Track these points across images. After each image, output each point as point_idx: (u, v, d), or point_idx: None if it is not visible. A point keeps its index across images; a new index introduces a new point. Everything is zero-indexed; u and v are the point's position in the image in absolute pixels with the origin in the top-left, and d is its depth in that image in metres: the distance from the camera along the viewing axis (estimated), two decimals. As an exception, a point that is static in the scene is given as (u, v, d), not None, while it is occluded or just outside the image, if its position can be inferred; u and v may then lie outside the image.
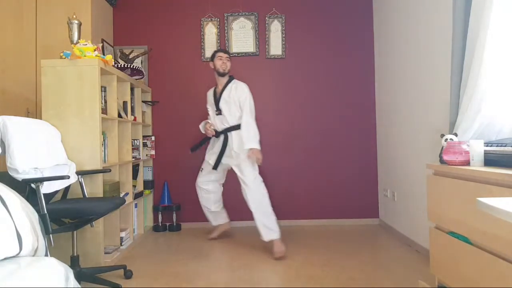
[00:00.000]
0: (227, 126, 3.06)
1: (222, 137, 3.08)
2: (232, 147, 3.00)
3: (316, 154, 3.86)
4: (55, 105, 2.53)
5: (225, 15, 3.86)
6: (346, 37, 3.86)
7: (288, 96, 3.88)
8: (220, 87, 3.12)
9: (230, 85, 3.08)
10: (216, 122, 3.13)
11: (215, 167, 3.10)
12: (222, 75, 3.09)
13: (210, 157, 3.20)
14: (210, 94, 3.24)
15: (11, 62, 3.25)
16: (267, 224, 2.85)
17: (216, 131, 3.13)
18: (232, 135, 3.03)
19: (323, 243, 3.12)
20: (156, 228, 3.73)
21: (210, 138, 3.23)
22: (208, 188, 3.26)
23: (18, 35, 3.27)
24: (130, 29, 3.89)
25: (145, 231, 3.60)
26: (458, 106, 2.07)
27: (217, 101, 3.10)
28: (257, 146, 2.88)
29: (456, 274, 1.72)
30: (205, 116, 3.87)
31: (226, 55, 3.08)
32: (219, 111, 3.09)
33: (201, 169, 3.31)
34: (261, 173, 3.90)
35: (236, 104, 3.01)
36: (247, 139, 2.89)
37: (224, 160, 3.09)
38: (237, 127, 3.01)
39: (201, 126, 3.26)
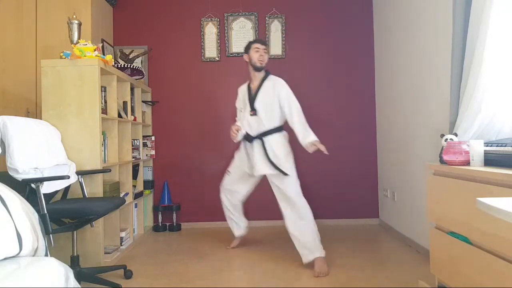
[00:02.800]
0: (263, 129, 2.66)
1: (257, 143, 2.67)
2: (273, 151, 2.61)
3: (316, 154, 3.85)
4: (55, 105, 2.53)
5: (225, 15, 3.86)
6: (346, 37, 3.86)
7: (288, 96, 3.87)
8: (255, 84, 2.76)
9: (266, 82, 2.72)
10: (250, 124, 2.72)
11: (282, 173, 2.58)
12: (259, 69, 2.73)
13: (244, 166, 2.79)
14: (243, 90, 2.87)
15: (11, 62, 3.25)
16: (315, 240, 2.52)
17: (247, 134, 2.73)
18: (270, 140, 2.64)
19: (323, 243, 3.11)
20: (156, 228, 3.73)
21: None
22: (235, 189, 2.91)
23: (18, 35, 3.27)
24: (130, 29, 3.89)
25: (145, 231, 3.60)
26: (458, 106, 2.07)
27: (252, 99, 2.72)
28: (316, 138, 2.56)
29: (456, 274, 1.72)
30: (205, 116, 3.89)
31: (264, 47, 2.74)
32: (254, 111, 2.70)
33: (228, 172, 2.94)
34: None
35: (275, 103, 2.65)
36: (309, 133, 2.56)
37: (261, 169, 2.64)
38: (273, 131, 2.66)
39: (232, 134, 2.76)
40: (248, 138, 2.72)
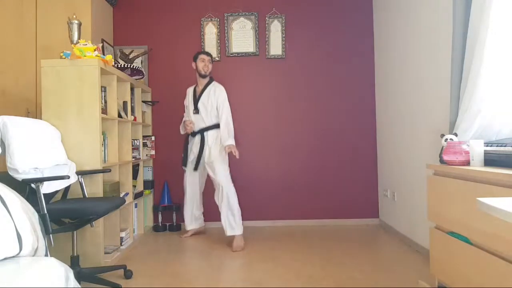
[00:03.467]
0: (203, 126, 3.21)
1: (198, 137, 3.23)
2: (209, 145, 3.16)
3: (316, 154, 3.86)
4: (55, 105, 2.53)
5: (225, 15, 3.86)
6: (346, 37, 3.86)
7: (288, 96, 3.88)
8: (200, 87, 3.27)
9: (209, 87, 3.23)
10: (193, 121, 3.26)
11: (195, 168, 3.25)
12: (203, 76, 3.23)
13: (190, 156, 3.33)
14: (190, 91, 3.37)
15: (11, 62, 3.25)
16: (231, 221, 3.05)
17: (193, 130, 3.27)
18: (208, 134, 3.19)
19: (323, 243, 3.12)
20: (156, 228, 3.73)
21: (188, 143, 3.36)
22: (194, 189, 3.42)
23: (18, 35, 3.27)
24: (130, 29, 3.89)
25: (145, 231, 3.60)
26: (458, 106, 2.07)
27: (196, 100, 3.25)
28: (233, 142, 3.06)
29: (456, 274, 1.72)
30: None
31: (208, 58, 3.23)
32: (196, 111, 3.23)
33: (184, 170, 3.44)
34: (261, 172, 3.91)
35: (214, 105, 3.17)
36: (227, 137, 3.06)
37: (202, 160, 3.21)
38: (212, 127, 3.19)
39: (181, 127, 3.41)
40: (192, 133, 3.28)
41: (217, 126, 3.18)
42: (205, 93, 3.21)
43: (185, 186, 3.43)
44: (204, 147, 3.19)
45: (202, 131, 3.21)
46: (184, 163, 3.38)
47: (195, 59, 3.25)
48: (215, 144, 3.15)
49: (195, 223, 3.47)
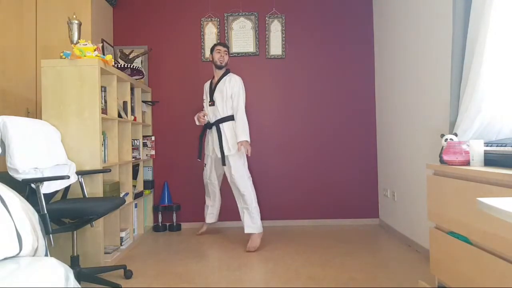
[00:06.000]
0: (218, 117, 3.15)
1: (214, 129, 3.18)
2: (227, 137, 3.09)
3: (316, 154, 3.86)
4: (55, 105, 2.53)
5: (225, 15, 3.86)
6: (346, 37, 3.86)
7: (288, 96, 3.88)
8: (216, 79, 3.23)
9: (225, 77, 3.18)
10: (209, 113, 3.24)
11: (223, 162, 3.10)
12: (219, 67, 3.19)
13: (209, 150, 3.29)
14: (206, 85, 3.37)
15: (11, 62, 3.25)
16: (247, 220, 3.03)
17: (208, 122, 3.24)
18: (224, 126, 3.12)
19: (323, 243, 3.12)
20: (156, 228, 3.73)
21: (204, 136, 3.36)
22: (215, 183, 3.38)
23: (18, 35, 3.26)
24: (130, 29, 3.89)
25: (145, 231, 3.60)
26: (458, 106, 2.07)
27: (211, 92, 3.22)
28: (247, 138, 3.01)
29: (456, 274, 1.72)
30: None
31: (224, 49, 3.18)
32: (212, 102, 3.20)
33: (204, 164, 3.42)
34: (261, 172, 3.91)
35: (229, 96, 3.12)
36: (240, 132, 3.00)
37: (223, 151, 3.11)
38: (227, 118, 3.12)
39: (195, 118, 3.32)
40: (208, 125, 3.25)
41: (233, 117, 3.12)
42: (220, 83, 3.17)
43: (205, 181, 3.43)
44: (223, 140, 3.10)
45: (217, 123, 3.14)
46: (199, 156, 3.38)
47: (211, 50, 3.23)
48: (231, 137, 3.07)
49: (211, 218, 3.48)
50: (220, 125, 3.12)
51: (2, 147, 1.99)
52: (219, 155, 3.12)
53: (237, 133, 3.02)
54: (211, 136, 3.24)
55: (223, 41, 3.86)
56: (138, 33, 3.89)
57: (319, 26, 3.87)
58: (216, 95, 3.17)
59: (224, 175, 3.23)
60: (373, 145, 3.85)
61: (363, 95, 3.85)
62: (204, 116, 3.22)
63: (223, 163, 3.09)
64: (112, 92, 2.84)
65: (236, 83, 3.11)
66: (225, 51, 3.19)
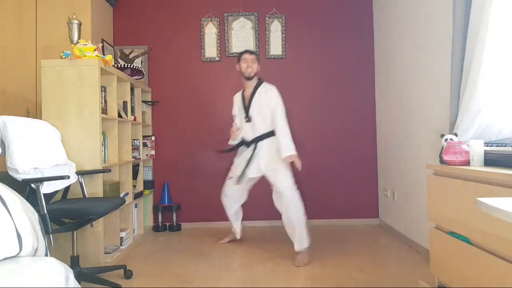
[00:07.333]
0: (257, 134, 2.85)
1: (252, 147, 2.87)
2: (263, 156, 2.80)
3: (316, 154, 3.86)
4: (55, 105, 2.53)
5: (225, 15, 3.86)
6: (346, 37, 3.86)
7: (288, 96, 3.85)
8: (248, 92, 2.92)
9: (259, 89, 2.87)
10: (246, 130, 2.91)
11: (238, 181, 2.89)
12: (248, 78, 2.89)
13: (237, 167, 2.98)
14: (237, 98, 3.05)
15: (11, 62, 3.25)
16: (291, 234, 2.71)
17: (244, 139, 2.93)
18: (263, 144, 2.82)
19: (323, 243, 3.11)
20: (156, 228, 3.72)
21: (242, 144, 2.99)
22: (233, 193, 3.06)
23: (18, 35, 3.26)
24: (130, 29, 3.89)
25: (145, 231, 3.60)
26: (458, 106, 2.07)
27: (246, 107, 2.90)
28: (294, 152, 2.69)
29: (456, 274, 1.72)
30: (205, 116, 3.89)
31: (252, 57, 2.88)
32: (248, 118, 2.88)
33: (229, 177, 3.07)
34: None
35: (267, 110, 2.80)
36: (286, 146, 2.69)
37: (250, 172, 2.85)
38: (267, 135, 2.83)
39: (231, 138, 3.00)
40: (245, 143, 2.92)
41: (272, 133, 2.82)
42: (255, 97, 2.85)
43: (224, 197, 3.10)
44: (253, 158, 2.82)
45: (256, 141, 2.84)
46: (226, 151, 3.05)
47: (238, 60, 2.93)
48: (275, 152, 2.75)
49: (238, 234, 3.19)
50: (259, 143, 2.83)
51: (2, 147, 1.99)
52: (258, 174, 2.85)
53: (283, 146, 2.69)
54: (245, 155, 2.90)
55: (223, 41, 3.86)
56: (138, 33, 3.89)
57: (319, 26, 3.87)
58: (253, 110, 2.86)
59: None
60: (373, 145, 3.85)
61: (363, 95, 3.85)
62: (237, 131, 2.92)
63: (237, 182, 2.88)
64: (112, 92, 2.84)
65: (273, 95, 2.80)
66: (253, 59, 2.87)
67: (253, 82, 2.90)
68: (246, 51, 2.93)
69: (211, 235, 3.46)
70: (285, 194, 2.67)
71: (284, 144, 2.69)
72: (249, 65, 2.86)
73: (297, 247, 2.68)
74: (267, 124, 2.83)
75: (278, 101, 2.79)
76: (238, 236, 3.19)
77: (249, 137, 2.89)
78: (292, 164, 2.75)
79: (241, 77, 2.94)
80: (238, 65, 2.92)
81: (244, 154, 2.93)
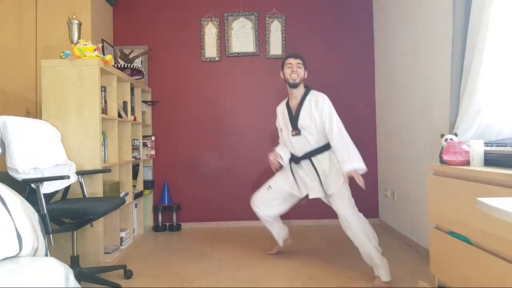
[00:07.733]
0: (309, 149, 2.51)
1: (306, 164, 2.53)
2: (326, 172, 2.47)
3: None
4: (55, 105, 2.53)
5: (225, 15, 3.86)
6: (346, 37, 3.86)
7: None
8: (294, 101, 2.56)
9: (308, 98, 2.50)
10: (294, 145, 2.56)
11: (302, 201, 2.61)
12: (292, 86, 2.51)
13: (287, 183, 2.64)
14: (282, 109, 2.67)
15: (11, 62, 3.25)
16: (373, 258, 2.31)
17: (293, 155, 2.60)
18: (319, 159, 2.49)
19: (323, 243, 3.11)
20: (156, 228, 3.73)
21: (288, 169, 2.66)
22: (271, 206, 2.72)
23: (18, 35, 3.27)
24: (130, 29, 3.89)
25: (145, 231, 3.60)
26: (458, 106, 2.07)
27: (293, 119, 2.53)
28: (355, 166, 2.29)
29: (456, 274, 1.72)
30: (205, 116, 3.89)
31: (297, 61, 2.51)
32: (297, 131, 2.51)
33: (268, 187, 2.73)
34: (261, 172, 3.90)
35: (319, 121, 2.45)
36: (346, 159, 2.30)
37: (313, 193, 2.55)
38: (321, 149, 2.50)
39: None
40: (294, 159, 2.58)
41: (327, 147, 2.50)
42: (304, 107, 2.48)
43: (258, 206, 2.73)
44: (320, 175, 2.47)
45: (308, 156, 2.51)
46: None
47: (282, 67, 2.57)
48: (332, 171, 2.45)
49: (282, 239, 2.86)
50: (313, 158, 2.49)
51: (2, 147, 1.99)
52: (319, 195, 2.52)
53: (342, 159, 2.32)
54: (301, 171, 2.56)
55: (223, 41, 3.86)
56: (138, 33, 3.89)
57: (319, 26, 3.87)
58: (302, 123, 2.49)
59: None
60: (373, 145, 3.85)
61: (363, 95, 3.85)
62: (276, 159, 2.62)
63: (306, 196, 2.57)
64: (112, 92, 2.84)
65: (324, 104, 2.44)
66: (299, 63, 2.50)
67: (300, 90, 2.54)
68: (290, 56, 2.56)
69: (211, 235, 3.46)
70: (349, 224, 2.36)
71: (348, 156, 2.31)
72: (294, 71, 2.48)
73: (383, 277, 2.26)
74: (320, 137, 2.48)
75: (332, 110, 2.44)
76: (281, 244, 2.86)
77: (299, 152, 2.54)
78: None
79: (285, 85, 2.59)
80: (282, 72, 2.57)
81: (296, 171, 2.60)
